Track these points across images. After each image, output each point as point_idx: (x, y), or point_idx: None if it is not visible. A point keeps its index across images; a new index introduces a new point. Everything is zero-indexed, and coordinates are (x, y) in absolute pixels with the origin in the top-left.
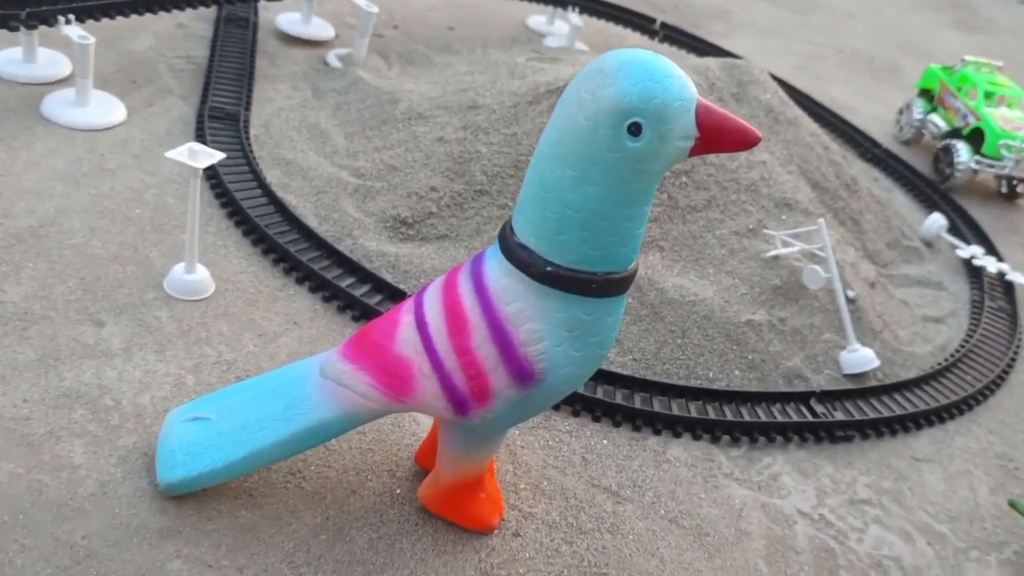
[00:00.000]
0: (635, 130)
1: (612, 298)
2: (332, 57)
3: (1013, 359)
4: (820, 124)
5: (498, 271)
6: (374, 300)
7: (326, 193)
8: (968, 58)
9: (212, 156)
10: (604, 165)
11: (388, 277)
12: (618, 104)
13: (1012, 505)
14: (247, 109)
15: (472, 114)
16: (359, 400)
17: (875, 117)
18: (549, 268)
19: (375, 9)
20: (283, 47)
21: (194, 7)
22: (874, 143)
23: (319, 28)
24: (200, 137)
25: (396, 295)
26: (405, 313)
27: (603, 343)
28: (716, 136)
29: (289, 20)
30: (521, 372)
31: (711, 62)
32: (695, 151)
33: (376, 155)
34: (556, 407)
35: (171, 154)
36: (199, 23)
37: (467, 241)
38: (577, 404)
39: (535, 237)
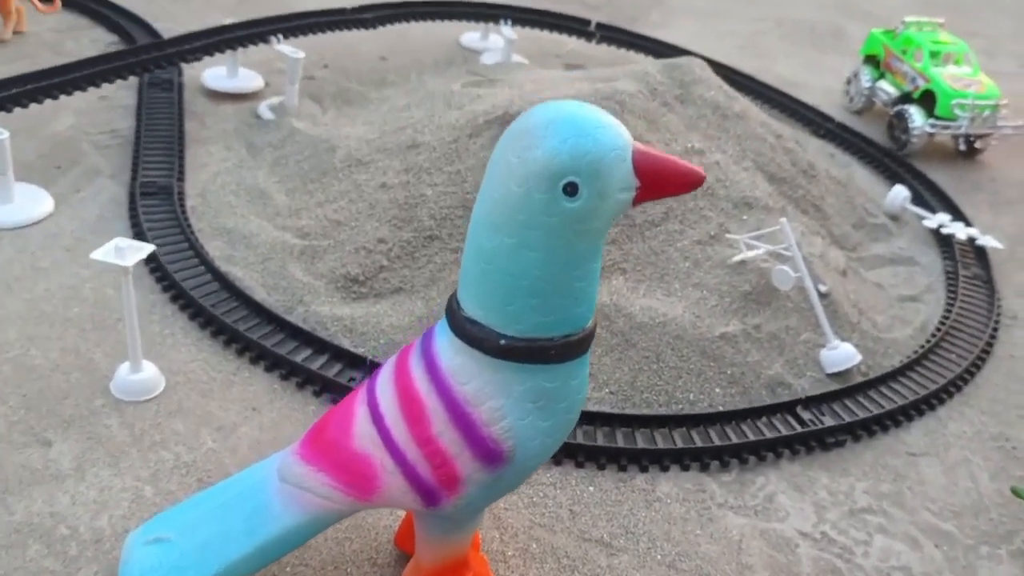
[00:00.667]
0: (571, 190)
1: (573, 361)
2: (264, 109)
3: (995, 329)
4: (769, 106)
5: (450, 350)
6: (333, 371)
7: (272, 260)
8: (909, 19)
9: (140, 250)
10: (543, 230)
11: (346, 343)
12: (548, 165)
13: (1015, 492)
14: (180, 179)
15: (412, 154)
16: (323, 503)
17: (824, 89)
18: (503, 341)
19: (301, 54)
20: (212, 105)
21: (110, 81)
22: (826, 118)
23: (247, 80)
24: (134, 217)
25: (356, 361)
26: (359, 404)
27: (571, 408)
28: (658, 182)
29: (215, 76)
30: (488, 453)
31: (650, 66)
32: (638, 200)
33: (319, 210)
34: None
35: (96, 255)
36: (122, 92)
37: (423, 292)
38: (559, 452)
39: (483, 310)
